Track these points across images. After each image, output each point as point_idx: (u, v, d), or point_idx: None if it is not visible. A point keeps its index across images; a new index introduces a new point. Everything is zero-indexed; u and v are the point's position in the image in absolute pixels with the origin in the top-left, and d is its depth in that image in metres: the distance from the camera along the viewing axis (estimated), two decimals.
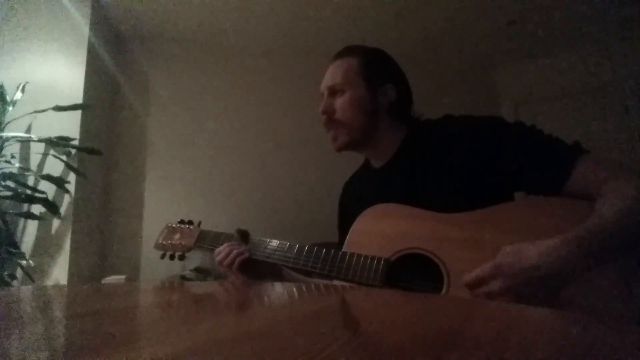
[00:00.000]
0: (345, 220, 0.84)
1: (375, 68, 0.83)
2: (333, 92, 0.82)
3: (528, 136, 0.69)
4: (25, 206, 1.83)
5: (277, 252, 0.80)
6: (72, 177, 1.92)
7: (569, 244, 0.52)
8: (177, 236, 0.95)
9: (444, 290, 0.62)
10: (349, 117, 0.80)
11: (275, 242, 0.82)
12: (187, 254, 0.93)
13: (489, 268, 0.54)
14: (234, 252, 0.82)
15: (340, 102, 0.81)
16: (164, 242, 0.95)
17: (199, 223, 0.97)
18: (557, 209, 0.64)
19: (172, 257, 0.93)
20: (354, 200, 0.88)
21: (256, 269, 0.84)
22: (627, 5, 2.32)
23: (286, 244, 0.80)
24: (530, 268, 0.51)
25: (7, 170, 1.70)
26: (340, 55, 0.85)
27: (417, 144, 0.81)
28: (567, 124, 2.73)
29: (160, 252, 0.94)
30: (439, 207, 0.69)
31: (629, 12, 2.39)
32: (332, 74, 0.83)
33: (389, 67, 0.86)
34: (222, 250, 0.84)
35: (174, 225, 0.98)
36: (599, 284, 0.54)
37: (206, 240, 0.91)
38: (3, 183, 1.67)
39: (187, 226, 0.96)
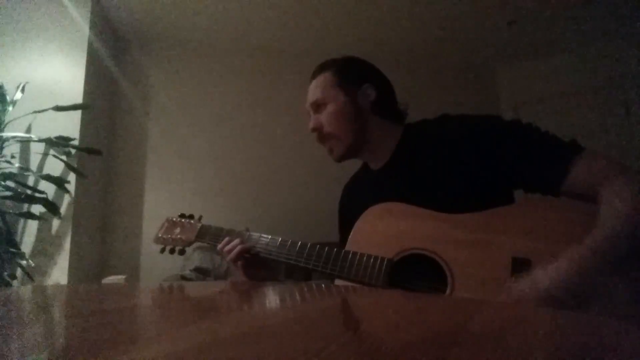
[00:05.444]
0: (346, 222, 0.84)
1: (348, 73, 0.85)
2: (317, 108, 0.85)
3: (525, 134, 0.69)
4: (25, 206, 1.83)
5: (278, 249, 0.79)
6: (72, 177, 1.91)
7: (581, 262, 0.51)
8: (178, 230, 0.92)
9: (447, 292, 0.61)
10: (336, 127, 0.83)
11: (277, 239, 0.80)
12: (187, 249, 0.91)
13: (504, 299, 0.54)
14: (239, 247, 0.81)
15: (325, 116, 0.84)
16: (164, 236, 0.93)
17: (200, 217, 0.95)
18: (562, 210, 0.63)
19: (172, 252, 0.91)
20: (353, 202, 0.88)
21: (259, 268, 0.83)
22: (627, 5, 2.32)
23: (288, 241, 0.79)
24: (545, 292, 0.51)
25: (7, 170, 1.70)
26: (315, 73, 0.88)
27: (414, 144, 0.81)
28: (567, 124, 2.73)
29: (160, 246, 0.92)
30: (437, 207, 0.69)
31: (629, 12, 2.38)
32: (312, 92, 0.87)
33: (363, 68, 0.87)
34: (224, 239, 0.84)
35: (174, 219, 0.96)
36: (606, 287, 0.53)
37: (207, 234, 0.89)
38: (3, 183, 1.67)
39: (187, 220, 0.94)
